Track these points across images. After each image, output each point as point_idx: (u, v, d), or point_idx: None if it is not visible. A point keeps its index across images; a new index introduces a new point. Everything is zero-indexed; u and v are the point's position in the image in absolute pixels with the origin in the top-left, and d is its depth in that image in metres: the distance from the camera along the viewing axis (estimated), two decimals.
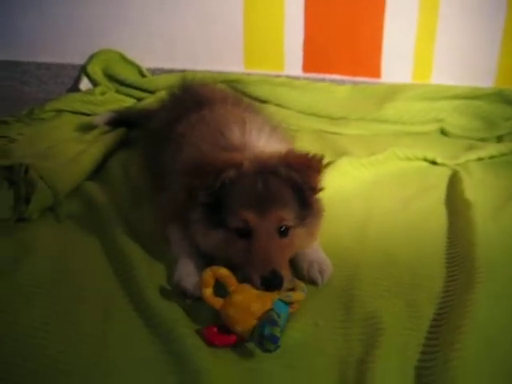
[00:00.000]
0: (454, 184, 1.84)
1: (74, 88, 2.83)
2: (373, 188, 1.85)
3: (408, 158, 2.05)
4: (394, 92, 2.46)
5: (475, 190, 1.75)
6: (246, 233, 1.20)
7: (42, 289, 1.27)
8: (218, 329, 1.10)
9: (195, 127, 1.50)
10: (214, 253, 1.28)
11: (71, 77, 2.87)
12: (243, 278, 1.16)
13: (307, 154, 1.29)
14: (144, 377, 1.02)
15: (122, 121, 2.21)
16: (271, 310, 1.08)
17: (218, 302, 1.12)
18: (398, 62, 2.55)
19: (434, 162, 2.05)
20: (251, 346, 1.07)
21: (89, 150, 1.89)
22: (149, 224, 1.53)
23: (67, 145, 2.03)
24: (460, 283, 1.27)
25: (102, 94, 2.61)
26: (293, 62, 2.65)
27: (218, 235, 1.24)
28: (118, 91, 2.69)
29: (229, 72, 2.60)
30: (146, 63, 2.76)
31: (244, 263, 1.18)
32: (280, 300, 1.12)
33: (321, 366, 1.04)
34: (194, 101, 1.69)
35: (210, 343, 1.07)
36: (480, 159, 2.07)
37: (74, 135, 2.21)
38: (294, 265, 1.32)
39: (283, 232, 1.23)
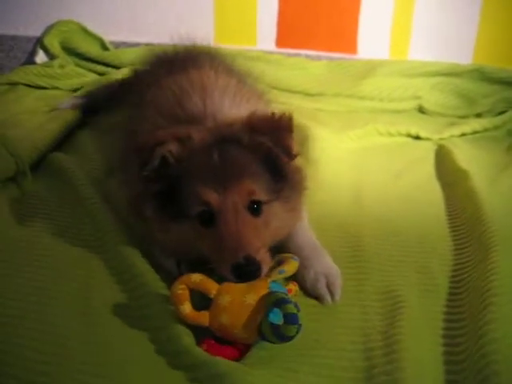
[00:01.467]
0: (443, 157, 1.78)
1: (29, 62, 2.60)
2: (359, 161, 1.77)
3: (390, 133, 1.99)
4: (371, 68, 2.37)
5: (466, 161, 1.69)
6: (209, 217, 0.99)
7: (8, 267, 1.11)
8: (215, 340, 0.89)
9: (157, 95, 1.31)
10: (180, 250, 1.06)
11: (25, 50, 2.64)
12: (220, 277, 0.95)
13: (273, 114, 1.06)
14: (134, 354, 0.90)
15: (90, 107, 1.95)
16: (270, 293, 0.89)
17: (203, 317, 0.89)
18: (375, 37, 2.47)
19: (417, 137, 1.99)
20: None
21: (54, 120, 1.72)
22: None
23: (27, 116, 1.86)
24: (473, 249, 1.20)
25: (61, 67, 2.41)
26: (266, 37, 2.51)
27: (179, 228, 1.02)
28: (77, 65, 2.49)
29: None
30: (110, 36, 2.57)
31: (214, 255, 0.97)
32: (274, 282, 0.93)
33: (343, 338, 0.94)
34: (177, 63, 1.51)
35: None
36: (464, 134, 2.02)
37: (33, 107, 2.01)
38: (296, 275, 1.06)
39: (255, 209, 1.00)
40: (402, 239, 1.26)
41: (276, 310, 0.85)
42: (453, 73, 2.34)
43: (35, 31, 2.58)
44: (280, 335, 0.84)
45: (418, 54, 2.46)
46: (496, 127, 2.10)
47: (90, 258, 1.16)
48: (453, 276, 1.13)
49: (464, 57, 2.44)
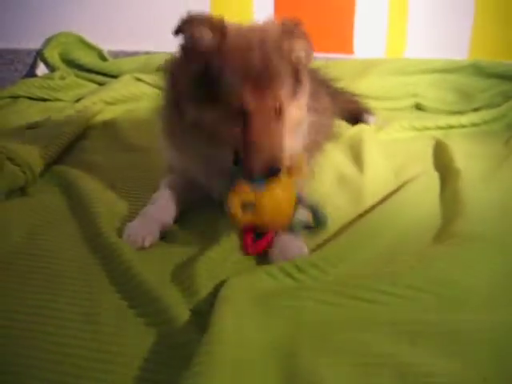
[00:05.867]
0: (440, 152, 1.79)
1: (30, 75, 2.66)
2: (359, 157, 1.78)
3: (386, 132, 2.00)
4: (367, 67, 2.40)
5: (464, 156, 1.70)
6: (243, 115, 1.11)
7: (14, 273, 1.13)
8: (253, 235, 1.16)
9: None
10: (206, 131, 1.16)
11: (26, 63, 2.69)
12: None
13: (298, 21, 1.23)
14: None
15: None
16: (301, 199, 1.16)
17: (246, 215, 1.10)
18: (370, 36, 2.50)
19: (414, 129, 2.02)
20: None
21: (59, 131, 1.75)
22: (128, 204, 1.43)
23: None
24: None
25: (62, 78, 2.45)
26: None
27: (213, 111, 1.13)
28: (77, 76, 2.53)
29: None
30: (109, 46, 2.61)
31: (239, 147, 1.11)
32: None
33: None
34: None
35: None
36: (462, 126, 2.04)
37: (36, 119, 2.04)
38: None
39: (279, 112, 1.14)
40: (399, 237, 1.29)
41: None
42: (449, 69, 2.36)
43: (35, 44, 2.63)
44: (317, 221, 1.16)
45: (414, 52, 2.49)
46: (494, 119, 2.11)
47: (94, 266, 1.17)
48: None
49: (460, 52, 2.46)
